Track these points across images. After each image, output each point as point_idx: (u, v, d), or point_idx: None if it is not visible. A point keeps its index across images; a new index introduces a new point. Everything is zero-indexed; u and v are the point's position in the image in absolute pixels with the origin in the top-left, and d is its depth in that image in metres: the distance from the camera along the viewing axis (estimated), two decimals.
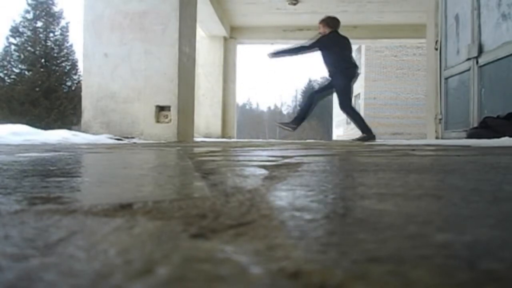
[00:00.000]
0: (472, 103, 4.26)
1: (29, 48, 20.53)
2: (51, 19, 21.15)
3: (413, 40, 9.43)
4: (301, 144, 3.89)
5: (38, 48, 20.58)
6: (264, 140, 7.78)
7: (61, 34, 21.43)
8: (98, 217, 0.41)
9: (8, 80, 20.07)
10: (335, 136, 24.62)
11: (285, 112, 56.92)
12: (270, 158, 1.42)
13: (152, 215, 0.42)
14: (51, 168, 1.02)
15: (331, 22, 5.43)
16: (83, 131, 4.47)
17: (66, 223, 0.39)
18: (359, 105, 20.15)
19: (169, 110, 4.48)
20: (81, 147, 2.55)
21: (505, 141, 2.90)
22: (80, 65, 19.61)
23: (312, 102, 5.47)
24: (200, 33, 7.88)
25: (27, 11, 20.87)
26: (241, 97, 69.03)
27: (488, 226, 0.37)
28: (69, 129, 5.67)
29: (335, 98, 5.88)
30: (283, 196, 0.56)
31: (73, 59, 21.58)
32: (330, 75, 5.40)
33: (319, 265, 0.26)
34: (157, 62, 4.48)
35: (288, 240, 0.32)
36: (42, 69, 20.26)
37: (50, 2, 21.33)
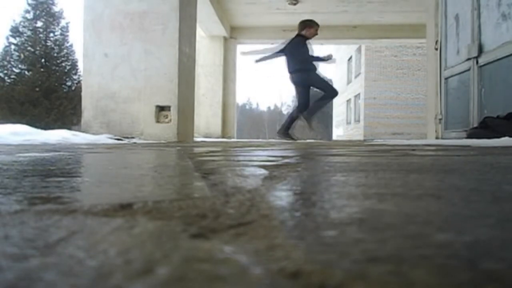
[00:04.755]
0: (472, 103, 4.26)
1: (29, 48, 20.52)
2: (51, 19, 21.14)
3: (413, 40, 9.43)
4: (301, 144, 3.90)
5: (38, 48, 20.57)
6: (264, 140, 7.77)
7: (61, 34, 21.42)
8: (98, 217, 0.41)
9: (8, 80, 20.06)
10: (335, 136, 24.59)
11: (285, 112, 56.93)
12: (270, 158, 1.42)
13: (152, 215, 0.42)
14: (51, 168, 1.02)
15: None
16: (83, 131, 4.48)
17: (66, 223, 0.39)
18: (359, 105, 20.13)
19: (169, 110, 4.48)
20: (81, 147, 2.55)
21: (505, 141, 2.90)
22: (80, 65, 19.62)
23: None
24: (200, 33, 7.88)
25: (27, 11, 20.86)
26: (241, 97, 69.08)
27: (488, 226, 0.37)
28: (69, 129, 5.67)
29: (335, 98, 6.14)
30: (283, 196, 0.56)
31: (73, 59, 21.57)
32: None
33: (319, 265, 0.26)
34: (157, 62, 4.48)
35: (288, 240, 0.32)
36: (42, 69, 20.25)
37: (50, 2, 21.32)
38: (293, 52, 5.69)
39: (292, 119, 5.82)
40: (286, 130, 5.80)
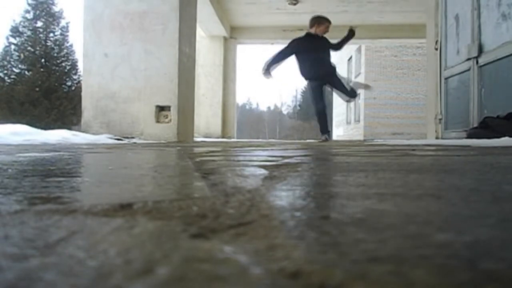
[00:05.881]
0: (472, 103, 4.26)
1: (29, 48, 20.53)
2: (51, 19, 21.16)
3: (413, 40, 9.43)
4: (301, 144, 3.90)
5: (38, 48, 20.58)
6: (264, 140, 7.78)
7: (61, 34, 21.45)
8: (98, 217, 0.41)
9: (8, 80, 20.07)
10: (335, 136, 24.59)
11: (285, 112, 56.99)
12: (270, 158, 1.42)
13: (152, 215, 0.42)
14: (51, 168, 1.02)
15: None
16: (83, 131, 4.47)
17: (66, 223, 0.39)
18: (359, 105, 20.13)
19: (169, 110, 4.48)
20: (81, 147, 2.55)
21: (505, 141, 2.90)
22: (80, 65, 19.64)
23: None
24: (200, 33, 7.87)
25: (27, 11, 20.88)
26: (241, 97, 69.15)
27: (488, 226, 0.37)
28: (69, 129, 5.67)
29: (335, 98, 5.90)
30: (283, 196, 0.56)
31: (73, 59, 21.60)
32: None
33: (319, 265, 0.26)
34: (157, 62, 4.48)
35: (288, 240, 0.32)
36: (42, 69, 20.26)
37: (50, 2, 21.35)
38: (324, 53, 5.42)
39: (324, 119, 5.54)
40: (327, 131, 5.56)
